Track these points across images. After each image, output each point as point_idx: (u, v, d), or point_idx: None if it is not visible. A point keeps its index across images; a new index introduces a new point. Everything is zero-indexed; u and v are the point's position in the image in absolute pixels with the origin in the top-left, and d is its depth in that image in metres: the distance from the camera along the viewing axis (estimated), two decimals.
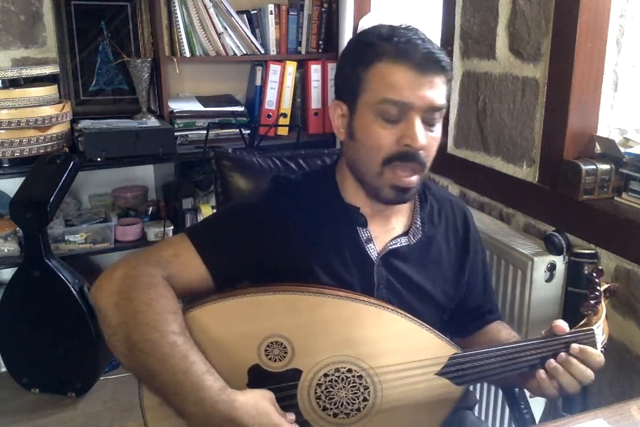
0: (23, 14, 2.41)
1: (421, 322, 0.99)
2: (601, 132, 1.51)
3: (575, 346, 0.95)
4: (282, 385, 0.96)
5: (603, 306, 1.03)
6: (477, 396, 1.64)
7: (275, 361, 0.96)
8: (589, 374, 0.94)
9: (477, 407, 1.60)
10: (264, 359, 0.96)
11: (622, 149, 1.43)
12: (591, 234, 1.46)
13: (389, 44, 0.95)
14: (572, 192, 1.47)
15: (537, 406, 1.44)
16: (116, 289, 0.94)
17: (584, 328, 0.98)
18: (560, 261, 1.48)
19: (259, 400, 0.91)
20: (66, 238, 2.34)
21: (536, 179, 1.62)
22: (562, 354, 0.95)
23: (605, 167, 1.45)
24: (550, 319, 1.50)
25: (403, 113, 0.95)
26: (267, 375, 0.96)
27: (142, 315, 0.91)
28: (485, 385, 1.65)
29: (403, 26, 0.99)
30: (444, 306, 1.13)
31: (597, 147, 1.51)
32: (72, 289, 2.09)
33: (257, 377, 0.96)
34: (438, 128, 1.00)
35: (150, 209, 2.63)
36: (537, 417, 1.43)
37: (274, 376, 0.96)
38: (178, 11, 2.46)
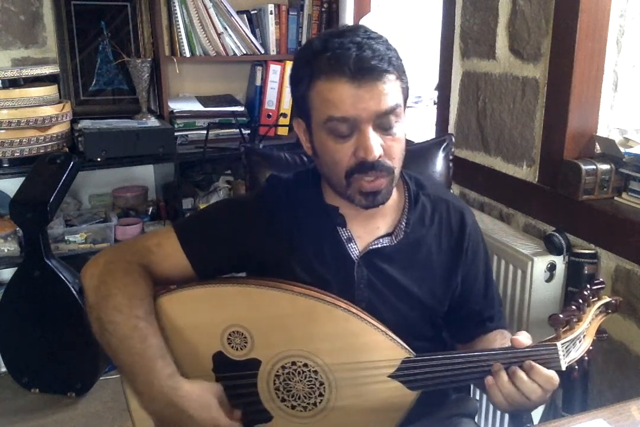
0: (23, 14, 2.41)
1: (374, 323, 0.98)
2: (601, 132, 1.51)
3: (527, 363, 0.90)
4: (243, 373, 1.01)
5: (586, 321, 0.96)
6: (477, 403, 1.64)
7: (236, 349, 1.00)
8: (536, 391, 0.90)
9: (477, 415, 1.59)
10: (227, 347, 1.00)
11: (622, 149, 1.43)
12: (591, 234, 1.46)
13: (322, 59, 0.93)
14: (572, 192, 1.47)
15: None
16: (97, 272, 1.01)
17: (547, 343, 0.92)
18: (560, 261, 1.48)
19: (204, 392, 0.96)
20: (66, 238, 2.34)
21: (536, 179, 1.62)
22: (512, 367, 0.91)
23: (605, 167, 1.45)
24: None
25: (353, 127, 0.94)
26: (230, 362, 1.01)
27: (112, 298, 0.97)
28: None
29: (338, 31, 0.97)
30: (432, 308, 1.10)
31: (597, 147, 1.51)
32: (72, 289, 2.09)
33: (221, 364, 1.01)
34: (399, 128, 0.98)
35: (150, 209, 2.63)
36: (538, 417, 1.43)
37: (235, 363, 1.01)
38: (178, 11, 2.46)
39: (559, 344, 0.91)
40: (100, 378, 2.27)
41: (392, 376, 0.96)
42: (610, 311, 1.04)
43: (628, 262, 1.37)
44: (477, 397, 1.61)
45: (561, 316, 0.94)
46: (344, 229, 1.07)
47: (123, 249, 1.06)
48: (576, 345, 0.94)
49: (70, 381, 2.21)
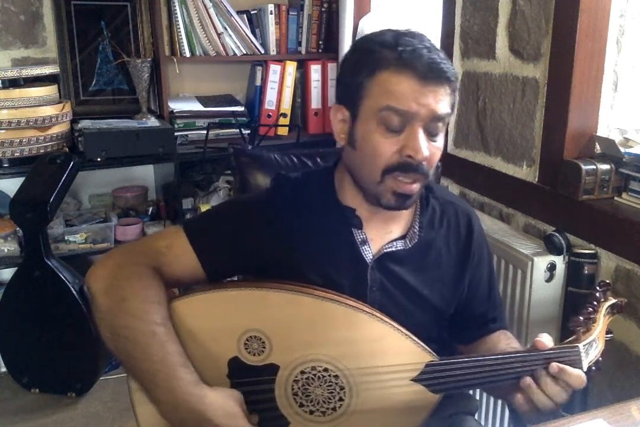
0: (23, 14, 2.41)
1: (398, 327, 0.98)
2: (601, 132, 1.51)
3: (554, 365, 0.90)
4: (260, 379, 0.98)
5: (600, 322, 0.98)
6: (478, 400, 1.64)
7: (254, 354, 0.98)
8: (563, 395, 0.91)
9: (478, 412, 1.60)
10: (243, 352, 0.98)
11: (622, 149, 1.43)
12: (591, 234, 1.46)
13: (393, 53, 0.94)
14: (572, 192, 1.47)
15: None
16: (107, 275, 0.97)
17: (569, 345, 0.93)
18: (560, 261, 1.48)
19: (228, 400, 0.93)
20: (66, 238, 2.34)
21: (536, 179, 1.62)
22: (538, 371, 0.91)
23: (605, 167, 1.45)
24: (550, 319, 1.50)
25: (406, 123, 0.94)
26: (246, 368, 0.98)
27: (127, 303, 0.94)
28: None
29: (408, 33, 0.98)
30: (441, 311, 1.11)
31: (597, 147, 1.51)
32: (72, 289, 2.09)
33: (236, 369, 0.98)
34: (440, 138, 0.99)
35: (150, 209, 2.63)
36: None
37: (252, 369, 0.98)
38: (178, 11, 2.46)
39: (580, 345, 0.92)
40: (100, 378, 2.27)
41: (415, 380, 0.95)
42: (615, 312, 1.05)
43: (628, 262, 1.37)
44: (477, 396, 1.62)
45: (581, 318, 0.96)
46: (359, 231, 1.05)
47: (131, 251, 1.03)
48: (593, 346, 0.95)
49: (70, 381, 2.21)
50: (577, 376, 0.90)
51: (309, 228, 1.04)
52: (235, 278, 1.24)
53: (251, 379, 0.98)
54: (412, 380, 0.95)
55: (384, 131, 0.95)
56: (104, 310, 0.96)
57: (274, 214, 1.05)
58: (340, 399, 0.97)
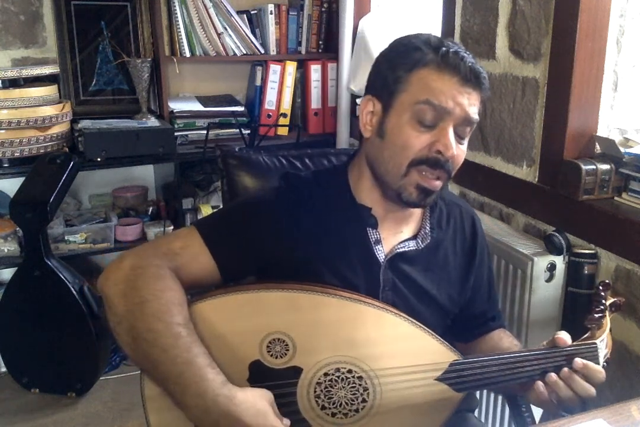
0: (23, 14, 2.41)
1: (423, 326, 0.98)
2: (601, 132, 1.51)
3: (578, 361, 0.94)
4: (282, 382, 0.96)
5: (607, 320, 1.01)
6: (478, 397, 1.64)
7: (276, 357, 0.96)
8: (590, 390, 0.94)
9: (477, 409, 1.60)
10: (265, 355, 0.96)
11: (622, 149, 1.43)
12: (591, 234, 1.46)
13: (437, 52, 0.96)
14: (572, 192, 1.46)
15: None
16: (124, 278, 0.95)
17: (587, 342, 0.97)
18: (560, 261, 1.48)
19: (258, 399, 0.91)
20: (66, 238, 2.34)
21: (536, 179, 1.62)
22: (565, 369, 0.94)
23: (605, 167, 1.45)
24: (550, 319, 1.50)
25: (439, 119, 0.96)
26: (268, 371, 0.96)
27: (148, 305, 0.92)
28: None
29: (449, 39, 1.01)
30: (447, 311, 1.12)
31: (597, 147, 1.51)
32: (72, 289, 2.09)
33: (258, 373, 0.96)
34: (466, 143, 1.02)
35: (150, 209, 2.63)
36: (538, 417, 1.43)
37: (274, 372, 0.96)
38: (178, 11, 2.46)
39: (597, 341, 0.96)
40: (100, 378, 2.27)
41: (439, 379, 0.96)
42: (614, 310, 1.07)
43: (628, 262, 1.37)
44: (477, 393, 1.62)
45: (596, 316, 0.99)
46: (374, 230, 1.05)
47: (147, 252, 1.00)
48: (604, 342, 0.99)
49: (70, 381, 2.21)
50: (600, 371, 0.94)
51: (322, 227, 1.04)
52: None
53: (273, 383, 0.95)
54: (436, 379, 0.96)
55: (417, 125, 0.96)
56: (122, 313, 0.93)
57: (287, 212, 1.04)
58: (364, 401, 0.97)
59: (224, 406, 0.87)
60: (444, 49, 0.96)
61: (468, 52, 0.99)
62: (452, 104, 0.95)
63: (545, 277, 1.48)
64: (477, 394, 1.64)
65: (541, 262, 1.47)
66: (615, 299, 1.07)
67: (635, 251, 1.33)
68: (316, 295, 0.96)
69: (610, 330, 1.04)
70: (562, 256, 1.48)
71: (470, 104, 0.96)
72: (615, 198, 1.47)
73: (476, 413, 1.23)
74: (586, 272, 1.45)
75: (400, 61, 0.98)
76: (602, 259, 1.44)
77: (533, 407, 1.23)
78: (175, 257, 1.00)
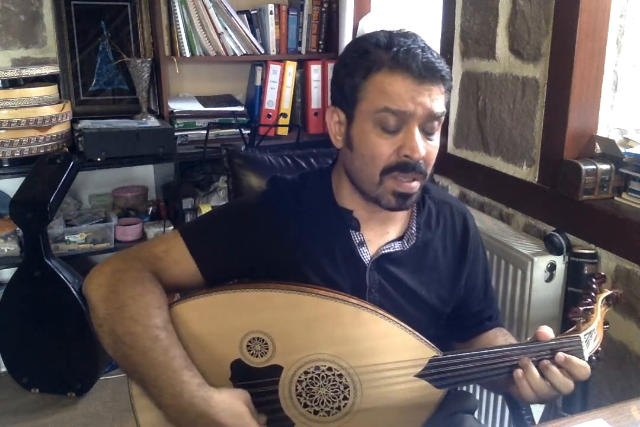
0: (23, 14, 2.41)
1: (402, 323, 0.98)
2: (601, 132, 1.51)
3: (561, 355, 0.92)
4: (264, 380, 0.98)
5: (598, 313, 1.00)
6: (478, 399, 1.64)
7: (256, 356, 0.97)
8: (569, 384, 0.93)
9: (477, 410, 1.60)
10: (246, 354, 0.98)
11: (622, 149, 1.43)
12: (591, 234, 1.46)
13: (387, 53, 0.94)
14: (572, 192, 1.47)
15: (538, 405, 1.44)
16: (105, 282, 0.97)
17: (571, 335, 0.95)
18: (560, 261, 1.48)
19: (235, 400, 0.93)
20: (66, 238, 2.34)
21: (536, 179, 1.62)
22: (544, 361, 0.93)
23: (605, 167, 1.45)
24: (550, 319, 1.50)
25: (402, 123, 0.94)
26: (249, 370, 0.98)
27: (127, 309, 0.93)
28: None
29: (401, 32, 0.98)
30: (439, 311, 1.12)
31: (597, 147, 1.51)
32: (72, 289, 2.09)
33: (240, 372, 0.98)
34: (437, 137, 0.99)
35: (150, 209, 2.63)
36: (538, 417, 1.43)
37: (255, 371, 0.98)
38: (178, 11, 2.46)
39: (581, 335, 0.95)
40: (100, 378, 2.27)
41: (419, 375, 0.96)
42: (611, 303, 1.07)
43: (628, 262, 1.37)
44: (477, 395, 1.62)
45: (581, 309, 0.98)
46: (357, 232, 1.05)
47: (129, 256, 1.02)
48: (592, 336, 0.98)
49: (70, 381, 2.21)
50: (583, 366, 0.93)
51: (307, 230, 1.04)
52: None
53: (254, 382, 0.97)
54: (416, 376, 0.96)
55: (380, 132, 0.95)
56: (103, 317, 0.94)
57: (271, 216, 1.05)
58: (345, 398, 0.97)
59: (200, 408, 0.90)
60: (394, 49, 0.94)
61: (422, 44, 0.96)
62: (412, 106, 0.93)
63: (545, 277, 1.48)
64: (477, 395, 1.64)
65: (541, 262, 1.47)
66: (612, 291, 1.06)
67: (635, 251, 1.33)
68: (292, 293, 0.97)
69: (607, 323, 1.04)
70: (562, 256, 1.48)
71: (433, 100, 0.94)
72: (615, 198, 1.47)
73: (476, 415, 1.22)
74: (586, 272, 1.45)
75: (353, 68, 0.97)
76: (602, 259, 1.44)
77: (533, 406, 1.23)
78: (157, 260, 1.01)
